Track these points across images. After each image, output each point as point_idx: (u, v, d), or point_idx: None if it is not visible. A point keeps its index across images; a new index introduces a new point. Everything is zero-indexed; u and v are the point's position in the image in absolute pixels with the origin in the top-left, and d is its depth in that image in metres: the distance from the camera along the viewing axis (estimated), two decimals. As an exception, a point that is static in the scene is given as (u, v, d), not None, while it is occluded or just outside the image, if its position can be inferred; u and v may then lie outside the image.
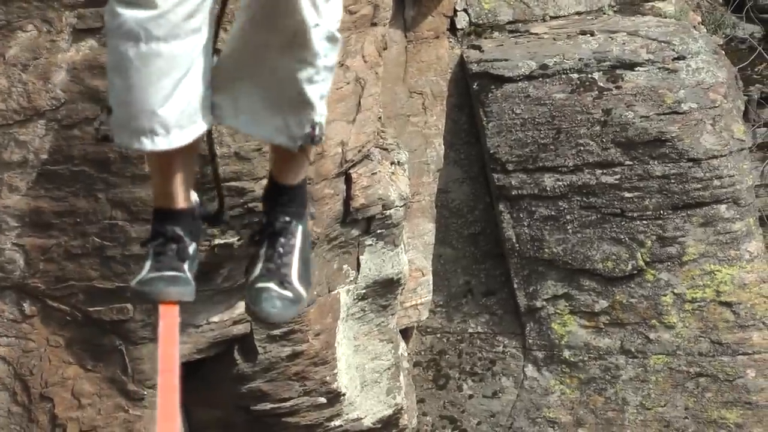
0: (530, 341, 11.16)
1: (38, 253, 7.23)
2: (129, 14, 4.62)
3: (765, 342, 11.18)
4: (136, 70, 4.69)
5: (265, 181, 5.57)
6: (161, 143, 4.77)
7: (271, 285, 5.15)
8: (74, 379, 7.33)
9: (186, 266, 5.00)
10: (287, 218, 5.24)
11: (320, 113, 5.02)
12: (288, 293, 5.16)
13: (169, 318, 4.85)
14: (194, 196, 5.25)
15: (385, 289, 8.49)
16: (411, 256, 9.07)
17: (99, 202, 7.02)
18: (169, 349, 4.76)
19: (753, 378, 11.16)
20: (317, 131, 5.04)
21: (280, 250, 5.21)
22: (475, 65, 10.99)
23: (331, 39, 4.93)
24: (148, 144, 4.76)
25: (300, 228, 5.30)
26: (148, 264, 4.97)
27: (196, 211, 5.19)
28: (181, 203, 5.02)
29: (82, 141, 6.92)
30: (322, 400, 8.11)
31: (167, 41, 4.68)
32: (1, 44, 7.01)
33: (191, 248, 5.06)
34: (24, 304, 7.28)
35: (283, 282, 5.17)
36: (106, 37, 4.78)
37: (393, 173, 8.36)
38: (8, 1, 6.90)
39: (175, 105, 4.78)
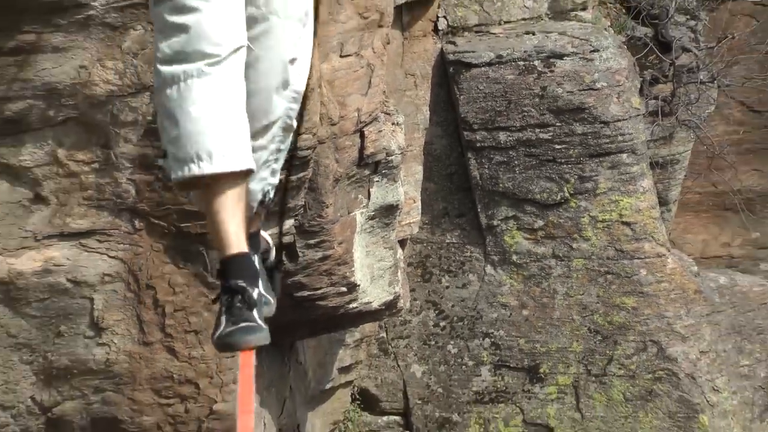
0: (489, 249, 11.19)
1: (144, 186, 7.18)
2: (172, 68, 4.13)
3: (653, 250, 11.21)
4: (178, 107, 4.16)
5: None
6: (206, 167, 4.13)
7: (241, 324, 4.24)
8: (170, 274, 7.31)
9: (255, 313, 4.27)
10: (241, 282, 4.29)
11: (272, 183, 4.61)
12: (254, 324, 4.26)
13: (247, 365, 4.30)
14: (267, 238, 4.77)
15: (388, 212, 8.48)
16: (406, 189, 9.05)
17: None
18: (247, 393, 4.24)
19: (644, 275, 11.19)
20: (268, 197, 4.64)
21: (239, 305, 4.27)
22: (451, 55, 11.01)
23: (287, 129, 4.51)
24: (194, 168, 4.14)
25: (256, 260, 4.51)
26: (223, 318, 4.28)
27: (252, 254, 4.44)
28: (234, 247, 4.27)
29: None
30: (343, 289, 8.09)
31: (204, 78, 4.14)
32: (119, 39, 6.94)
33: (255, 294, 4.30)
34: (135, 221, 7.24)
35: (248, 322, 4.27)
36: (154, 98, 4.45)
37: (393, 131, 8.35)
38: (124, 8, 6.84)
39: (216, 133, 4.17)
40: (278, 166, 4.64)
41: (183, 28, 4.09)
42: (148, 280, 7.30)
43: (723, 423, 11.18)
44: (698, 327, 11.35)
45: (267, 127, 4.46)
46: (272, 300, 4.59)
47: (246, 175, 4.24)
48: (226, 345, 4.26)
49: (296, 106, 4.49)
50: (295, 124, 4.53)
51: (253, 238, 4.53)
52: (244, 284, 4.24)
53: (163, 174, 4.42)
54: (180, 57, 4.10)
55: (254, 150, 4.39)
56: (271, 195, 4.70)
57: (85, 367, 7.28)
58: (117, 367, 7.32)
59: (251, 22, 4.31)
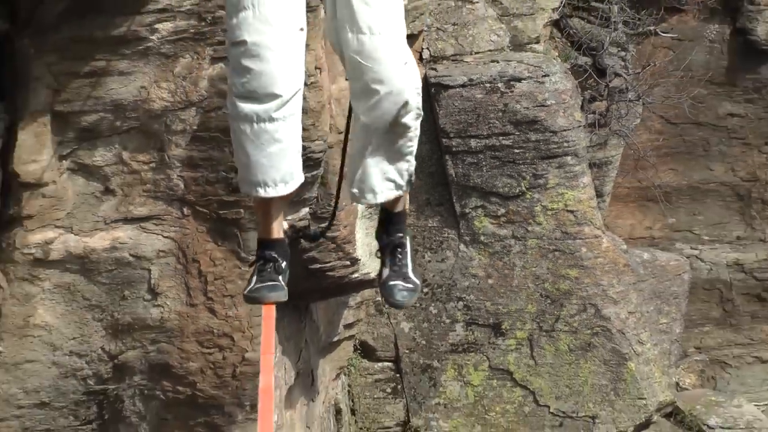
0: (462, 231, 11.25)
1: (191, 181, 7.16)
2: (247, 106, 4.20)
3: (591, 232, 11.23)
4: (251, 142, 4.28)
5: None
6: (271, 192, 4.38)
7: (399, 282, 4.74)
8: (211, 250, 7.29)
9: (280, 278, 4.58)
10: (400, 234, 4.83)
11: (412, 163, 4.65)
12: (410, 285, 4.76)
13: (269, 317, 4.48)
14: (285, 225, 4.83)
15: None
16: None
17: (223, 153, 6.94)
18: (268, 338, 4.38)
19: (584, 252, 11.21)
20: (412, 177, 4.69)
21: (399, 257, 4.81)
22: (433, 78, 11.08)
23: (418, 116, 4.51)
24: (261, 192, 4.39)
25: (408, 238, 4.89)
26: (254, 278, 4.61)
27: (286, 240, 4.72)
28: (275, 234, 4.61)
29: (215, 119, 6.84)
30: (347, 262, 8.08)
31: (273, 122, 4.24)
32: (171, 65, 6.91)
33: (283, 265, 4.61)
34: (183, 209, 7.22)
35: (406, 278, 4.78)
36: (229, 119, 4.46)
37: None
38: (175, 41, 6.81)
39: (280, 166, 4.35)
40: (415, 148, 4.64)
41: (254, 73, 4.09)
42: (193, 255, 7.30)
43: (646, 368, 11.20)
44: (627, 293, 11.41)
45: (398, 122, 4.42)
46: (419, 281, 4.82)
47: (293, 193, 4.45)
48: (253, 298, 4.49)
49: (419, 98, 4.44)
50: (421, 112, 4.49)
51: (402, 217, 4.84)
52: (276, 255, 4.50)
53: (233, 185, 4.67)
54: (253, 96, 4.12)
55: (395, 143, 4.48)
56: (413, 173, 4.69)
57: (144, 323, 7.27)
58: (169, 323, 7.30)
59: (357, 47, 4.23)
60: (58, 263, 7.11)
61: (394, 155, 4.51)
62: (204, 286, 7.30)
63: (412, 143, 4.54)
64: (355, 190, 4.65)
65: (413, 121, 4.41)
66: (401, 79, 4.26)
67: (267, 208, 4.55)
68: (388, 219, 4.84)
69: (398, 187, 4.62)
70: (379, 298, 10.98)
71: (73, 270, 7.15)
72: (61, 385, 7.28)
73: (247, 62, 4.11)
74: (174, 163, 7.18)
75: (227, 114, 4.49)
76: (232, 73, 4.27)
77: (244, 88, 4.15)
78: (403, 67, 4.26)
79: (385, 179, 4.59)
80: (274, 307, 4.53)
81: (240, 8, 4.12)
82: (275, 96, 4.13)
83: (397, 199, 4.74)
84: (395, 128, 4.37)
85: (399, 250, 4.84)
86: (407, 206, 4.98)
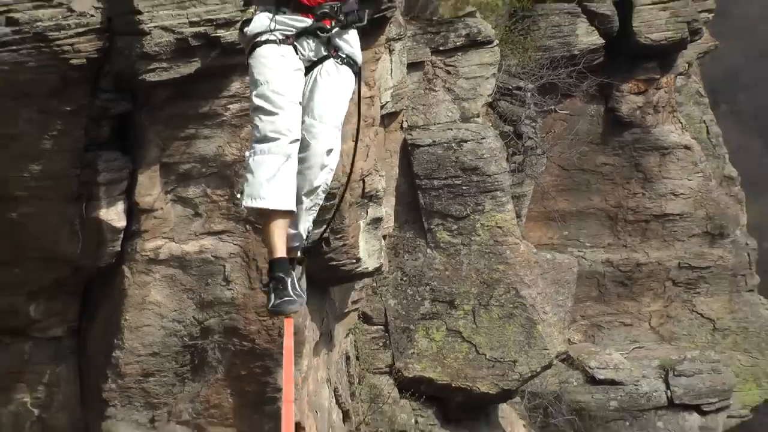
0: (428, 240, 11.04)
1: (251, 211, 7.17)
2: (259, 146, 3.86)
3: (513, 241, 11.05)
4: (258, 166, 3.85)
5: None
6: (260, 204, 3.84)
7: (284, 298, 3.92)
8: (264, 253, 7.19)
9: (291, 291, 3.90)
10: (281, 274, 3.97)
11: (311, 226, 4.17)
12: (292, 299, 3.93)
13: (289, 326, 3.93)
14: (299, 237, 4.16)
15: (376, 221, 8.38)
16: (386, 209, 9.00)
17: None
18: (289, 341, 3.85)
19: (509, 254, 11.05)
20: (309, 233, 4.22)
21: (280, 287, 3.93)
22: (409, 140, 10.94)
23: (324, 191, 4.11)
24: (258, 203, 3.84)
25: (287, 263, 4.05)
26: (272, 296, 3.94)
27: (286, 258, 4.00)
28: (278, 254, 3.95)
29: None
30: (354, 261, 7.99)
31: (274, 155, 3.84)
32: (238, 132, 6.88)
33: (289, 280, 3.92)
34: (246, 226, 7.17)
35: (292, 295, 3.95)
36: (245, 158, 4.02)
37: (379, 179, 8.27)
38: (241, 116, 6.76)
39: (275, 184, 3.84)
40: (315, 215, 4.22)
41: (269, 121, 3.87)
42: (253, 256, 7.23)
43: (549, 330, 11.09)
44: (536, 280, 11.36)
45: (313, 190, 4.13)
46: (303, 295, 4.06)
47: (289, 213, 3.92)
48: (276, 312, 3.93)
49: (330, 177, 4.14)
50: (327, 188, 4.12)
51: (291, 254, 4.11)
52: (282, 275, 3.91)
53: (239, 202, 4.29)
54: (266, 139, 3.85)
55: (304, 202, 4.08)
56: (310, 233, 4.28)
57: (221, 300, 7.23)
58: (237, 300, 7.25)
59: (308, 126, 4.01)
60: (164, 261, 7.12)
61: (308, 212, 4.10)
62: (260, 276, 7.23)
63: (315, 208, 4.10)
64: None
65: (321, 193, 4.08)
66: (321, 156, 4.01)
67: (268, 225, 3.95)
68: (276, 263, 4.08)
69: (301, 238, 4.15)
70: (374, 284, 11.00)
71: (174, 266, 7.15)
72: (167, 341, 7.28)
73: (262, 118, 3.89)
74: (239, 196, 7.13)
75: (245, 156, 4.05)
76: (252, 114, 4.00)
77: (260, 133, 3.88)
78: (325, 154, 3.98)
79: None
80: (292, 324, 3.95)
81: (258, 84, 3.93)
82: (282, 137, 3.86)
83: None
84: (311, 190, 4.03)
85: (285, 281, 4.02)
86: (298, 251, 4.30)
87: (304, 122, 4.00)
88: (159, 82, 6.50)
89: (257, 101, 3.93)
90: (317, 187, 4.14)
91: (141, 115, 6.81)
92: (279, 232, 3.93)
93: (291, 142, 3.87)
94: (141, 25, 6.32)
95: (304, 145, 3.98)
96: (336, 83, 3.98)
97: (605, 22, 12.51)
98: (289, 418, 3.31)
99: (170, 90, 6.67)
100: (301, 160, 3.97)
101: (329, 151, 4.06)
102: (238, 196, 4.28)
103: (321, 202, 4.29)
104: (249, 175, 3.90)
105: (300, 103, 3.98)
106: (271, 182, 3.82)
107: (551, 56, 12.31)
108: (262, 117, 3.89)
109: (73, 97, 6.51)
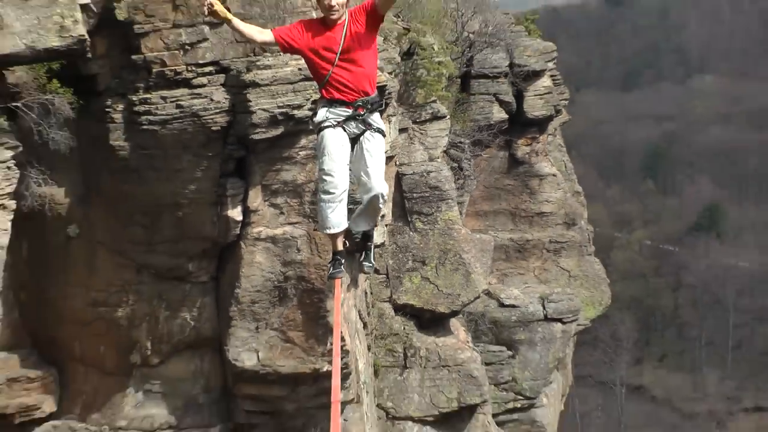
0: (410, 227, 10.21)
1: (311, 209, 7.17)
2: (324, 196, 3.58)
3: (459, 227, 10.27)
4: (323, 210, 3.60)
5: None
6: (331, 230, 3.61)
7: (335, 270, 3.74)
8: (320, 236, 7.17)
9: (341, 267, 3.73)
10: (339, 257, 3.75)
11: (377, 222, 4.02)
12: (341, 270, 3.73)
13: (337, 287, 3.63)
14: (345, 243, 3.85)
15: (382, 217, 8.01)
16: (387, 210, 8.92)
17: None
18: (337, 302, 3.46)
19: (455, 234, 10.20)
20: (377, 224, 4.02)
21: (336, 263, 3.75)
22: (400, 171, 10.17)
23: (384, 197, 3.70)
24: (324, 231, 3.65)
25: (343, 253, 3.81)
26: (331, 267, 3.75)
27: (343, 250, 3.76)
28: (338, 248, 3.72)
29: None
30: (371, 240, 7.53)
31: (333, 202, 3.57)
32: (305, 166, 7.03)
33: (343, 261, 3.72)
34: (309, 219, 7.25)
35: (339, 268, 3.74)
36: (317, 201, 3.73)
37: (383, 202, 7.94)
38: (307, 156, 6.99)
39: (334, 216, 3.61)
40: (372, 226, 3.95)
41: (328, 182, 3.64)
42: (314, 237, 7.33)
43: (478, 277, 10.19)
44: (471, 249, 10.44)
45: (376, 214, 3.87)
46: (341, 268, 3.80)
47: (342, 231, 3.70)
48: (332, 276, 3.79)
49: (385, 205, 3.90)
50: (387, 191, 3.79)
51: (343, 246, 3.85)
52: (339, 258, 3.77)
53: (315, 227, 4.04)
54: (327, 192, 3.64)
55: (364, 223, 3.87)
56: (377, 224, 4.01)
57: (296, 261, 7.37)
58: (305, 261, 7.38)
59: (364, 178, 3.75)
60: (263, 239, 7.36)
61: (372, 217, 3.89)
62: (317, 249, 7.37)
63: (379, 212, 3.89)
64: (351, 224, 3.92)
65: (381, 205, 3.81)
66: (380, 189, 3.70)
67: (333, 238, 3.76)
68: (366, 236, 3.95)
69: (371, 227, 3.95)
70: (380, 251, 9.92)
71: (269, 242, 7.39)
72: (264, 284, 7.48)
73: (325, 177, 3.66)
74: (306, 202, 7.42)
75: (316, 199, 3.88)
76: (318, 174, 3.78)
77: (324, 189, 3.65)
78: (381, 187, 3.71)
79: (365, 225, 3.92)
80: (340, 286, 3.68)
81: (322, 155, 3.69)
82: (334, 192, 3.63)
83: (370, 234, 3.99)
84: (374, 205, 3.78)
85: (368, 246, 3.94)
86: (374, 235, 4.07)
87: (361, 175, 3.78)
88: (260, 139, 7.00)
89: (322, 165, 3.73)
90: (382, 216, 4.19)
91: (251, 157, 7.25)
92: (337, 239, 3.81)
93: (342, 192, 3.69)
94: (251, 107, 6.94)
95: (364, 186, 3.76)
96: (375, 145, 3.80)
97: (508, 106, 13.00)
98: (336, 418, 2.66)
99: (267, 143, 7.14)
100: (365, 192, 3.76)
101: (382, 185, 3.75)
102: (314, 225, 4.39)
103: (381, 216, 4.12)
104: (320, 213, 3.72)
105: (348, 164, 3.76)
106: (331, 216, 3.67)
107: (479, 125, 12.65)
108: (325, 178, 3.68)
109: (213, 147, 7.14)
